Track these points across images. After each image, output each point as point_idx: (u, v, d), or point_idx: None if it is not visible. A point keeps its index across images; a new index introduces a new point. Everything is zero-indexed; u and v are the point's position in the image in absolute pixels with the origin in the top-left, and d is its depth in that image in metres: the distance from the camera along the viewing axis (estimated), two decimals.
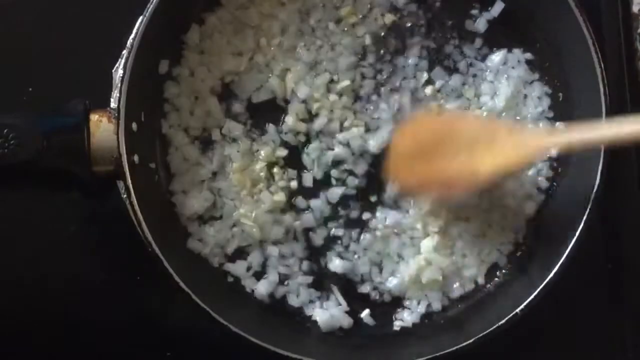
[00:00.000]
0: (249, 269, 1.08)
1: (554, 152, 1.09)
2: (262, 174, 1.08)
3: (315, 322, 1.07)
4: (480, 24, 1.12)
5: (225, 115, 1.10)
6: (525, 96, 1.12)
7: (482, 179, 1.01)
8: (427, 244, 1.08)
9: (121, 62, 1.00)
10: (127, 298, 1.08)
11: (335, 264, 1.08)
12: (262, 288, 1.08)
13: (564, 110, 1.11)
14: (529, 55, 1.12)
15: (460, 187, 1.03)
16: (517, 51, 1.12)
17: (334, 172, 1.10)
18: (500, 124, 1.09)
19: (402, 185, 1.08)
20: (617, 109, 1.06)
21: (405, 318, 1.09)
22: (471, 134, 1.02)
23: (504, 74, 1.12)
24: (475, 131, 1.03)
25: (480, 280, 1.10)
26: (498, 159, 1.00)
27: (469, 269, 1.09)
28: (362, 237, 1.09)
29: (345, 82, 1.10)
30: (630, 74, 1.15)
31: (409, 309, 1.09)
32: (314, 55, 1.11)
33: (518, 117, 1.11)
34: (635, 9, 1.17)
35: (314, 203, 1.09)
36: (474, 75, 1.12)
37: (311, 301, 1.08)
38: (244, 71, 1.10)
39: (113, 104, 1.00)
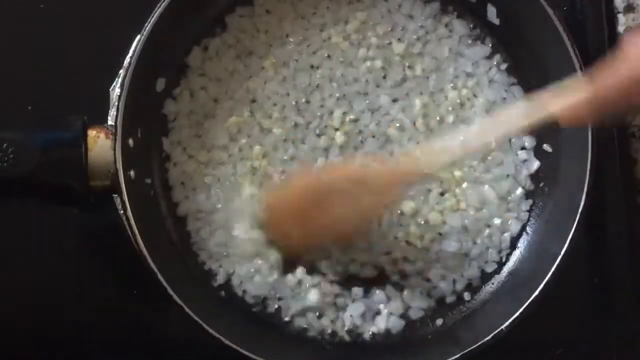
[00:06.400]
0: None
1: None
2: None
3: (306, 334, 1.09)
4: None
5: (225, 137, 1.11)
6: (505, 99, 1.13)
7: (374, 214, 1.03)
8: None
9: (118, 81, 1.02)
10: (123, 312, 1.09)
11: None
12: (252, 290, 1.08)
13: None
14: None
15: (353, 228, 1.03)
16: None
17: None
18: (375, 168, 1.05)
19: (288, 248, 1.04)
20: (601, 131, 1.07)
21: (378, 323, 1.09)
22: (353, 187, 0.99)
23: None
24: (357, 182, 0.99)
25: (466, 296, 1.11)
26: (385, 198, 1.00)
27: (450, 284, 1.10)
28: None
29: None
30: None
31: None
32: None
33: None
34: (620, 29, 1.18)
35: None
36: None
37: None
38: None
39: (110, 122, 1.02)
